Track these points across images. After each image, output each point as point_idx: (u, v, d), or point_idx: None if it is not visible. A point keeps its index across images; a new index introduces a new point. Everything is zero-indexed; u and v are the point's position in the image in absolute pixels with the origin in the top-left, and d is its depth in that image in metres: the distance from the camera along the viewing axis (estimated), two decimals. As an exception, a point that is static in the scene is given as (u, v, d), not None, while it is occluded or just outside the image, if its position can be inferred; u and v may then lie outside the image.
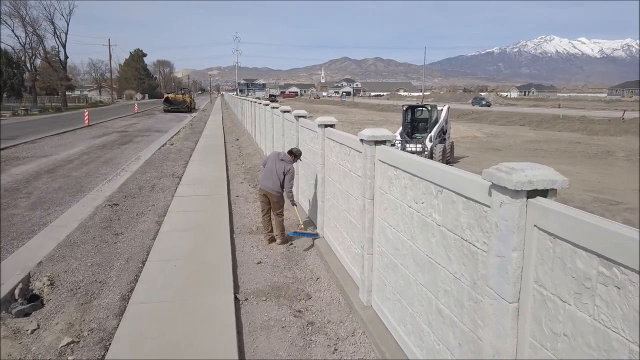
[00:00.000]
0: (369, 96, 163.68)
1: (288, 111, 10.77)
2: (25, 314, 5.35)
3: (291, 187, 7.57)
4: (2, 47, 60.73)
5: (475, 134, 31.23)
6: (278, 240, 7.65)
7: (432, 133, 16.32)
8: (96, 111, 53.69)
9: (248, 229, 8.46)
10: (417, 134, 17.55)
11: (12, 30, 60.73)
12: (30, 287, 6.01)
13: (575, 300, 2.15)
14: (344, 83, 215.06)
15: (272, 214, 7.65)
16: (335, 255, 6.71)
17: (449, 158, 17.11)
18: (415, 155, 4.26)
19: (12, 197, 10.89)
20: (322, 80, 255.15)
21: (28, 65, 64.86)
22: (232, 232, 8.20)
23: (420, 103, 20.27)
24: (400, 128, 17.58)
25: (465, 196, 3.11)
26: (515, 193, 2.43)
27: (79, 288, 5.92)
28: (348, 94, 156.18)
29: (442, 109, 17.66)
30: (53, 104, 61.24)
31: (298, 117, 9.28)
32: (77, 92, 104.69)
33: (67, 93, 73.98)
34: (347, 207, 6.06)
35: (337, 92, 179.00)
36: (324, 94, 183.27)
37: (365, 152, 4.99)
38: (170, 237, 7.75)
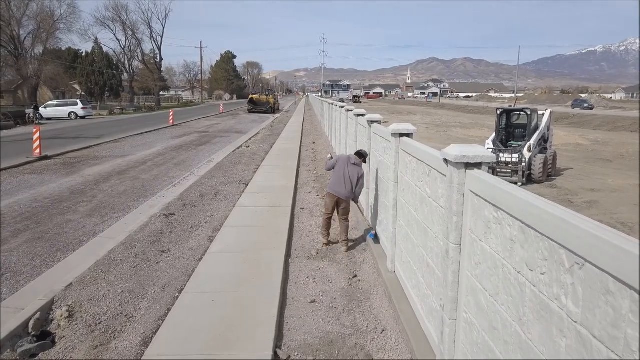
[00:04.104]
0: (457, 97, 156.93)
1: (362, 115, 9.45)
2: (32, 354, 4.54)
3: (361, 191, 7.35)
4: (104, 49, 65.14)
5: (578, 140, 27.88)
6: (344, 248, 7.33)
7: (532, 141, 14.11)
8: (185, 111, 55.70)
9: (307, 253, 7.27)
10: (512, 142, 15.39)
11: (114, 34, 65.25)
12: (50, 317, 5.24)
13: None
14: (431, 84, 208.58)
15: (339, 218, 7.37)
16: (408, 300, 5.31)
17: (550, 171, 14.82)
18: (530, 195, 2.76)
19: (75, 200, 10.58)
20: (408, 81, 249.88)
21: (127, 66, 69.18)
22: (288, 256, 7.06)
23: (512, 105, 17.91)
24: (493, 134, 15.48)
25: (637, 290, 1.66)
26: None
27: (100, 323, 5.03)
28: (435, 94, 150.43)
29: (543, 113, 15.36)
30: (147, 104, 64.70)
31: (371, 122, 7.95)
32: (171, 92, 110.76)
33: (161, 93, 78.13)
34: (424, 244, 4.65)
35: (423, 93, 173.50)
36: (410, 94, 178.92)
37: (451, 178, 3.58)
38: (218, 259, 6.76)
